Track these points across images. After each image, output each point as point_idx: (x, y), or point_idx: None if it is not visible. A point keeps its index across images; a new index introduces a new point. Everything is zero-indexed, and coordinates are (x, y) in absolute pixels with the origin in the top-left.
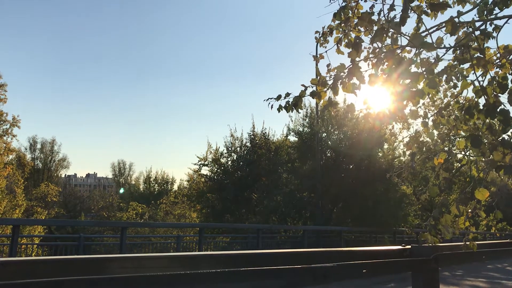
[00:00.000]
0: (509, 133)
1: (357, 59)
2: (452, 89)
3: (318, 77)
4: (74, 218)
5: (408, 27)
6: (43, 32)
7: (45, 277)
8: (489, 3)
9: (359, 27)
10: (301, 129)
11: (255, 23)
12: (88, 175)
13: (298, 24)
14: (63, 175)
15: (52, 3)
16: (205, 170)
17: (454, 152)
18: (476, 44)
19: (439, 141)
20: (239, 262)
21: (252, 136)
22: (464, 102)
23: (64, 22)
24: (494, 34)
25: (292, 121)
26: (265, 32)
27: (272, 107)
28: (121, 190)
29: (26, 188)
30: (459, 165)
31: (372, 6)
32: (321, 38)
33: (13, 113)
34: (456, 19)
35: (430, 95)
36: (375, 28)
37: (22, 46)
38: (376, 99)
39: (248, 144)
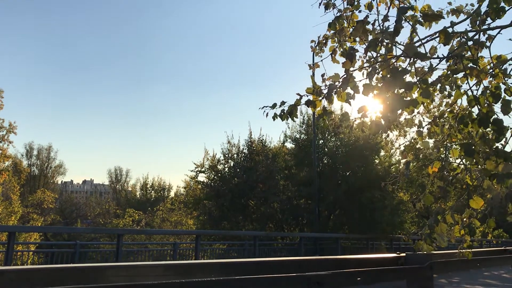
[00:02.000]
0: (502, 142)
1: (352, 68)
2: (447, 98)
3: (313, 86)
4: (70, 225)
5: (403, 37)
6: (40, 38)
7: (42, 285)
8: (482, 13)
9: (353, 37)
10: (298, 136)
11: (253, 31)
12: (84, 181)
13: (295, 32)
14: (59, 182)
15: (49, 10)
16: (202, 177)
17: (450, 159)
18: (469, 54)
19: (434, 149)
20: (233, 270)
21: (249, 143)
22: (458, 111)
23: (60, 28)
24: (487, 44)
25: (289, 128)
26: (263, 39)
27: (267, 115)
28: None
29: (22, 195)
30: (454, 173)
31: (367, 16)
32: (317, 47)
33: (10, 119)
34: (450, 29)
35: (425, 104)
36: (369, 37)
37: (18, 52)
38: (371, 107)
39: (245, 150)
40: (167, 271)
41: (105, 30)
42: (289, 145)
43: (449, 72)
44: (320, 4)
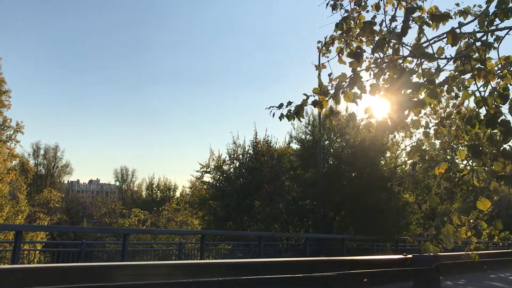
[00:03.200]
0: (510, 143)
1: (359, 68)
2: (454, 99)
3: (320, 86)
4: (77, 224)
5: (410, 38)
6: (46, 38)
7: (49, 283)
8: (490, 14)
9: (360, 37)
10: (303, 136)
11: (258, 31)
12: (91, 181)
13: (301, 33)
14: (66, 181)
15: (55, 9)
16: (207, 177)
17: (456, 161)
18: (477, 55)
19: (441, 151)
20: (239, 270)
21: (254, 144)
22: (465, 112)
23: (66, 27)
24: (495, 45)
25: (294, 128)
26: (269, 39)
27: (274, 115)
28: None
29: (29, 194)
30: (461, 174)
31: (374, 17)
32: (323, 48)
33: (17, 119)
34: (457, 30)
35: (432, 105)
36: (376, 38)
37: (25, 51)
38: (378, 108)
39: (250, 151)
40: (173, 270)
41: (111, 30)
42: (294, 146)
43: (456, 73)
44: (327, 4)
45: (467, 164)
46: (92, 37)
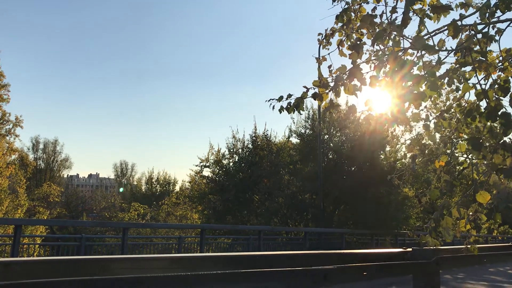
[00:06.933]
0: (510, 136)
1: (359, 60)
2: (454, 92)
3: (320, 78)
4: (76, 218)
5: (411, 30)
6: (46, 32)
7: (46, 277)
8: (491, 6)
9: (361, 29)
10: (303, 130)
11: (258, 25)
12: (90, 175)
13: (301, 26)
14: (65, 175)
15: (55, 3)
16: (206, 172)
17: (456, 155)
18: (478, 47)
19: (441, 144)
20: (239, 263)
21: (254, 138)
22: (466, 105)
23: (67, 22)
24: (497, 37)
25: (294, 122)
26: (268, 33)
27: (273, 108)
28: (121, 189)
29: (28, 188)
30: (461, 168)
31: (374, 8)
32: (324, 40)
33: (16, 113)
34: (459, 22)
35: (432, 98)
36: (377, 30)
37: (25, 46)
38: (378, 101)
39: (250, 145)
40: (172, 264)
41: (112, 25)
42: (294, 140)
43: (457, 65)
44: None
45: (467, 157)
46: (93, 31)
